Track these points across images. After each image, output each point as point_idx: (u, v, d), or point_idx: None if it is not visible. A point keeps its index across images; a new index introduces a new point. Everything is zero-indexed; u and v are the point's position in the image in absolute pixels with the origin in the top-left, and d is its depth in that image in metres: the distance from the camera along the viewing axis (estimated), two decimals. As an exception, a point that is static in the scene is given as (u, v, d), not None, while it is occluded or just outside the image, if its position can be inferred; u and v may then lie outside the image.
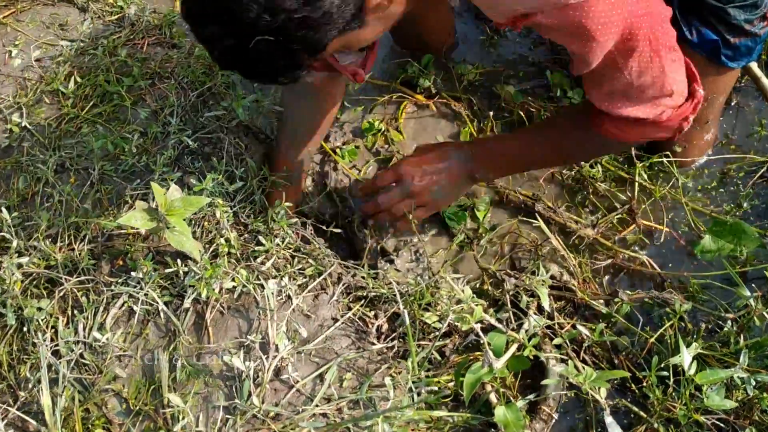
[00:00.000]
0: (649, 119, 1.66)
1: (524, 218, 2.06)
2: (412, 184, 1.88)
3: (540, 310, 1.78)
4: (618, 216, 2.07)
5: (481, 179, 1.96)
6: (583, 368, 1.51)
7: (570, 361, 1.56)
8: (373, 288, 1.74)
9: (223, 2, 1.17)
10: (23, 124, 1.97)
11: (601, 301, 1.85)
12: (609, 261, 1.97)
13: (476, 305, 1.58)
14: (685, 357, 1.53)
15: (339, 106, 2.10)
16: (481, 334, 1.51)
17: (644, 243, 2.05)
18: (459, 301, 1.72)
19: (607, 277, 1.99)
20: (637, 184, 2.08)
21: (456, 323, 1.66)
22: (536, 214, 2.03)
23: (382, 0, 1.31)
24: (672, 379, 1.61)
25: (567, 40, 1.52)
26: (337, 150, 2.17)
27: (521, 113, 2.24)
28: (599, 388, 1.51)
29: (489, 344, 1.48)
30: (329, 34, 1.24)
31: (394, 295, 1.72)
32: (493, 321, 1.57)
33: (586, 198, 2.12)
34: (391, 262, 1.91)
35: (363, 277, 1.77)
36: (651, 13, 1.49)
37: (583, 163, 2.13)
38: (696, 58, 1.87)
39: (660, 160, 2.12)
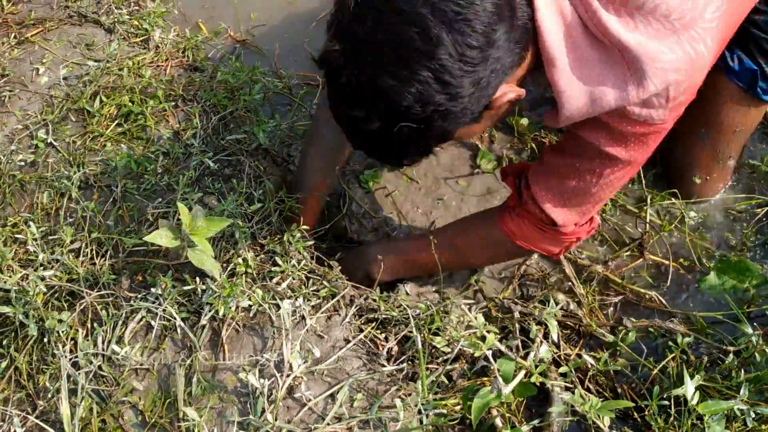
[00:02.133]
0: (558, 225, 1.72)
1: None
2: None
3: (546, 337, 1.82)
4: (627, 253, 2.11)
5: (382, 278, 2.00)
6: (588, 397, 1.55)
7: (576, 390, 1.60)
8: (384, 311, 1.79)
9: (380, 89, 1.24)
10: (49, 141, 2.02)
11: (607, 329, 1.90)
12: (620, 298, 2.01)
13: (488, 332, 1.62)
14: (689, 387, 1.57)
15: None
16: (491, 359, 1.55)
17: (652, 279, 2.09)
18: (468, 327, 1.77)
19: (613, 309, 2.03)
20: (647, 219, 2.12)
21: (465, 348, 1.71)
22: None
23: (504, 103, 1.41)
24: (674, 409, 1.65)
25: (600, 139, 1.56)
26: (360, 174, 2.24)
27: (533, 145, 2.30)
28: (603, 416, 1.55)
29: (498, 370, 1.53)
30: (458, 125, 1.34)
31: (405, 318, 1.76)
32: (503, 348, 1.61)
33: (597, 231, 2.16)
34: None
35: (374, 300, 1.82)
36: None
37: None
38: (732, 88, 1.95)
39: (672, 191, 2.19)
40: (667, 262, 2.11)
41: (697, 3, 1.39)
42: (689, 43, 1.40)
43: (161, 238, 1.54)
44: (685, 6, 1.38)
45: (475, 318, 1.69)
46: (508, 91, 1.40)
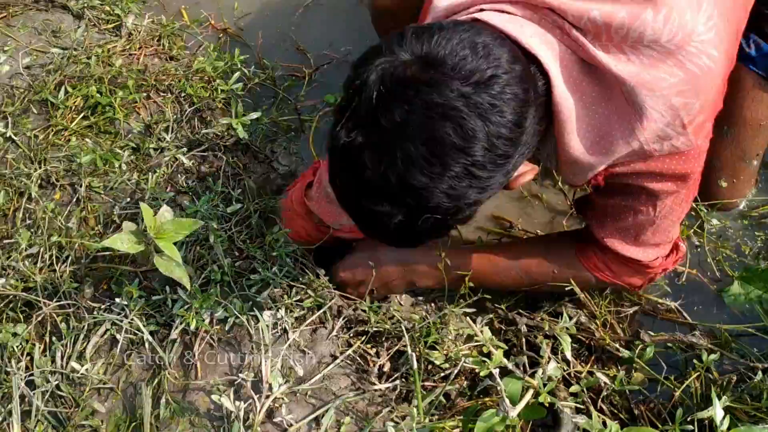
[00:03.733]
0: (642, 262, 1.65)
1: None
2: (350, 292, 1.82)
3: (554, 352, 1.68)
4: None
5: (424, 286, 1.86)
6: (605, 421, 1.41)
7: (593, 414, 1.46)
8: (375, 323, 1.64)
9: (410, 186, 1.17)
10: (8, 135, 1.89)
11: (621, 343, 1.75)
12: (635, 308, 1.86)
13: (496, 348, 1.48)
14: (717, 410, 1.42)
15: None
16: (498, 378, 1.40)
17: (670, 289, 1.94)
18: (469, 338, 1.63)
19: (629, 323, 1.88)
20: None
21: (465, 365, 1.57)
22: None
23: (518, 184, 1.39)
24: (698, 434, 1.51)
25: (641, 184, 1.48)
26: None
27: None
28: (620, 443, 1.40)
29: (504, 390, 1.38)
30: (478, 208, 1.29)
31: (399, 332, 1.62)
32: (510, 366, 1.47)
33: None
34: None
35: (364, 311, 1.67)
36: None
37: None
38: (752, 77, 1.83)
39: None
40: (685, 270, 1.96)
41: (685, 18, 1.32)
42: (690, 60, 1.33)
43: (122, 242, 1.39)
44: (673, 25, 1.31)
45: (481, 331, 1.54)
46: (526, 172, 1.38)
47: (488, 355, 1.67)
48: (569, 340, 1.63)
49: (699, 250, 2.00)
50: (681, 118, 1.35)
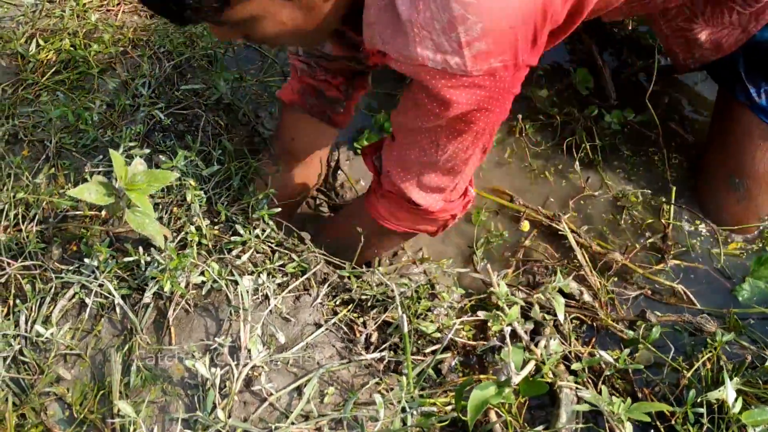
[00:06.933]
0: (422, 206, 1.55)
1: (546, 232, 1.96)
2: None
3: (557, 328, 1.65)
4: (650, 240, 1.94)
5: None
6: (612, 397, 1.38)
7: (603, 390, 1.43)
8: (363, 290, 1.61)
9: None
10: (-26, 88, 1.84)
11: (625, 324, 1.72)
12: (639, 292, 1.83)
13: (511, 305, 1.45)
14: (729, 391, 1.39)
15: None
16: (507, 338, 1.35)
17: (676, 276, 1.92)
18: (461, 312, 1.60)
19: (631, 304, 1.85)
20: (669, 227, 1.95)
21: (457, 339, 1.54)
22: (564, 225, 1.90)
23: None
24: (706, 418, 1.47)
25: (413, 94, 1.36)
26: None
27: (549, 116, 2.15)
28: (624, 422, 1.37)
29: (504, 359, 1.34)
30: None
31: (387, 298, 1.58)
32: (519, 329, 1.43)
33: (617, 225, 2.01)
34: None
35: (350, 278, 1.64)
36: (501, 110, 1.35)
37: (611, 184, 2.03)
38: (761, 129, 1.81)
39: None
40: (695, 265, 1.94)
41: None
42: None
43: (90, 193, 1.34)
44: None
45: (498, 285, 1.50)
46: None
47: (483, 330, 1.65)
48: (563, 300, 1.58)
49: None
50: (459, 32, 1.19)
